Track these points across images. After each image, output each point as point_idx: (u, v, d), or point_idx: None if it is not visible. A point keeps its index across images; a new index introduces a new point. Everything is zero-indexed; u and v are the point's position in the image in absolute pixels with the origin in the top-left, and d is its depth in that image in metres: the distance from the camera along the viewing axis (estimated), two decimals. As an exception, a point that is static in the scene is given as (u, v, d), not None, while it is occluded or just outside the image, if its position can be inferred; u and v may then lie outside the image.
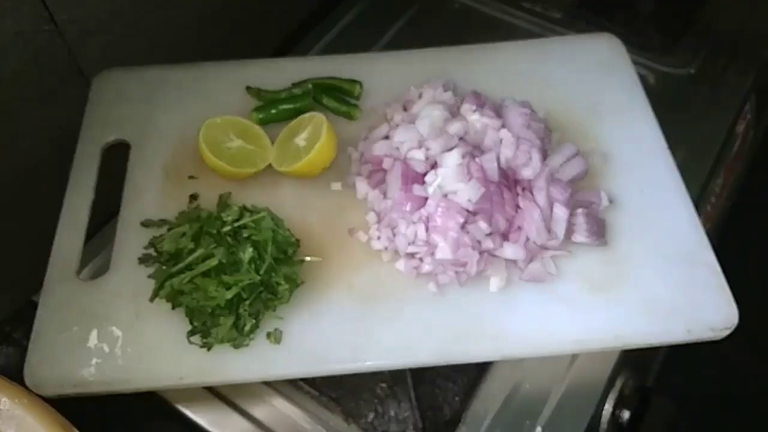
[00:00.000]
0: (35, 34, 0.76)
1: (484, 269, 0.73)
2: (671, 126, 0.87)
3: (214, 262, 0.69)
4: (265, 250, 0.70)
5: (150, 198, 0.80)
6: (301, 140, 0.81)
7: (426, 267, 0.73)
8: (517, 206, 0.75)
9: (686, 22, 1.17)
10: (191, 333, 0.70)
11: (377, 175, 0.80)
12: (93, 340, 0.70)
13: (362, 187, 0.80)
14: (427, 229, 0.73)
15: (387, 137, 0.82)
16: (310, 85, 0.89)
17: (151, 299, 0.71)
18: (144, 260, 0.75)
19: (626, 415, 0.80)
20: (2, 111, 0.77)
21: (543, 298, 0.72)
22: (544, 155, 0.79)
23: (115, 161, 0.85)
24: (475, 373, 0.79)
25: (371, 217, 0.78)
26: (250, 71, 0.92)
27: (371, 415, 0.76)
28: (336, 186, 0.82)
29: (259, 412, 0.76)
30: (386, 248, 0.75)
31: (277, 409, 0.77)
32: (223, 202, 0.78)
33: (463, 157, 0.75)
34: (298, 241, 0.74)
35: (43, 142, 0.83)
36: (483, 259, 0.72)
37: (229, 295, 0.67)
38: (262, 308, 0.70)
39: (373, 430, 0.75)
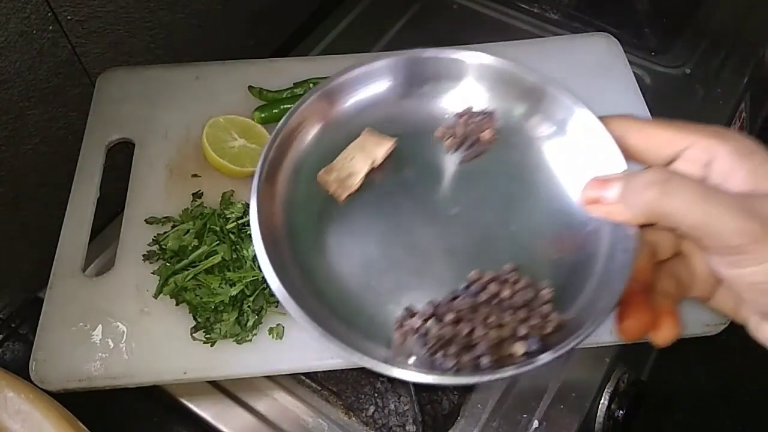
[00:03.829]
0: (39, 34, 0.77)
1: (482, 266, 0.73)
2: (667, 125, 0.88)
3: (217, 259, 0.70)
4: (269, 247, 0.71)
5: (154, 196, 0.81)
6: (302, 139, 0.81)
7: (426, 263, 0.74)
8: (515, 204, 0.76)
9: (682, 23, 1.18)
10: (195, 329, 0.70)
11: (377, 174, 0.81)
12: (98, 335, 0.71)
13: (363, 185, 0.81)
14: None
15: (387, 136, 0.83)
16: (311, 85, 0.89)
17: (155, 295, 0.72)
18: (148, 257, 0.75)
19: (622, 409, 0.81)
20: (7, 110, 0.77)
21: (540, 294, 0.73)
22: (542, 154, 0.80)
23: (121, 159, 0.85)
24: (474, 368, 0.80)
25: (372, 214, 0.79)
26: (253, 71, 0.92)
27: (371, 409, 0.77)
28: (337, 184, 0.82)
29: (261, 405, 0.77)
30: (386, 245, 0.76)
31: (279, 402, 0.77)
32: (227, 200, 0.78)
33: (462, 155, 0.76)
34: (300, 238, 0.75)
35: (48, 141, 0.84)
36: (481, 256, 0.73)
37: (233, 291, 0.68)
38: (265, 304, 0.71)
39: (374, 423, 0.76)
